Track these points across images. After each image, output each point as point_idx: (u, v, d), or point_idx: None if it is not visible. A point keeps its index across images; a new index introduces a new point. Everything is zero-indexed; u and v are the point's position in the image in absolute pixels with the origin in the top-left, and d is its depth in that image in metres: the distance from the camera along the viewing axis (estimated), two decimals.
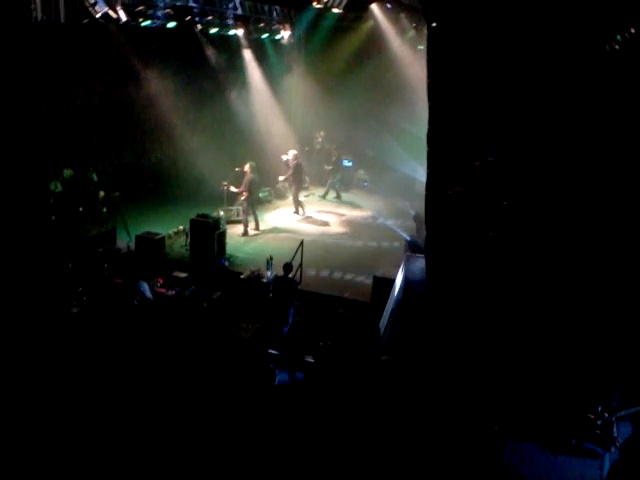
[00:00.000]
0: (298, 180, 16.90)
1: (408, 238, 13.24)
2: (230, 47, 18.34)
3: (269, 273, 11.78)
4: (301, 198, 18.20)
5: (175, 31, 14.77)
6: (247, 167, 15.06)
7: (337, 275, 12.91)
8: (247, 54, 18.82)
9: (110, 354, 9.59)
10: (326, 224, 16.61)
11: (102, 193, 14.45)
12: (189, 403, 8.54)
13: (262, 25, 18.00)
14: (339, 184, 19.12)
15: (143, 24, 13.67)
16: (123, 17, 12.80)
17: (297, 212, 17.09)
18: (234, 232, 14.92)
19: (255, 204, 15.67)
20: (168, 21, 14.22)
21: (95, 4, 12.25)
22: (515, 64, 7.91)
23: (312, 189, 19.95)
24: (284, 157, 16.85)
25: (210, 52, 17.81)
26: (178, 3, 14.17)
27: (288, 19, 19.39)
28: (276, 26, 18.75)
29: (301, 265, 12.16)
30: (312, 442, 7.90)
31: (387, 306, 10.61)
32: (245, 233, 15.14)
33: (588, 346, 8.02)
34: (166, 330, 10.35)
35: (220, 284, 12.00)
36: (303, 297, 11.27)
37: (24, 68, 12.07)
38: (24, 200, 12.42)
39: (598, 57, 7.62)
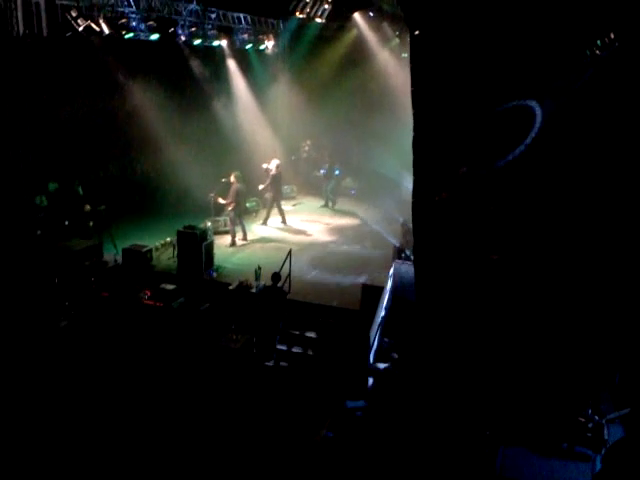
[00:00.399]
0: (277, 189, 16.85)
1: (397, 244, 13.26)
2: (214, 58, 18.36)
3: (258, 283, 11.74)
4: (287, 207, 18.23)
5: (158, 43, 14.76)
6: (233, 177, 15.03)
7: (326, 284, 12.88)
8: (231, 64, 18.84)
9: (99, 367, 9.51)
10: (314, 232, 16.60)
11: (88, 206, 14.37)
12: (179, 415, 8.47)
13: (246, 36, 18.05)
14: (331, 193, 19.14)
15: (126, 36, 13.66)
16: (106, 30, 12.81)
17: (284, 221, 17.06)
18: (222, 243, 14.88)
19: (242, 214, 15.63)
20: (151, 33, 14.22)
21: (77, 17, 12.25)
22: (498, 69, 7.97)
23: (300, 198, 19.98)
24: (265, 165, 16.79)
25: (194, 63, 17.81)
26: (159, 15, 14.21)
27: (271, 29, 19.46)
28: (260, 36, 18.80)
29: (289, 275, 12.14)
30: (303, 452, 7.86)
31: (377, 314, 10.60)
32: (233, 244, 15.09)
33: (577, 350, 8.05)
34: (155, 342, 10.27)
35: (208, 295, 11.95)
36: (292, 306, 11.24)
37: (6, 82, 11.99)
38: (9, 215, 12.31)
39: (579, 61, 7.73)
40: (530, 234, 8.30)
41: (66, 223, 13.90)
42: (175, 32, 14.95)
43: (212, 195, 15.01)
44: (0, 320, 10.13)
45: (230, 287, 11.89)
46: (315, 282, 12.90)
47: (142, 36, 14.08)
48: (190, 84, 18.19)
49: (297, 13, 17.97)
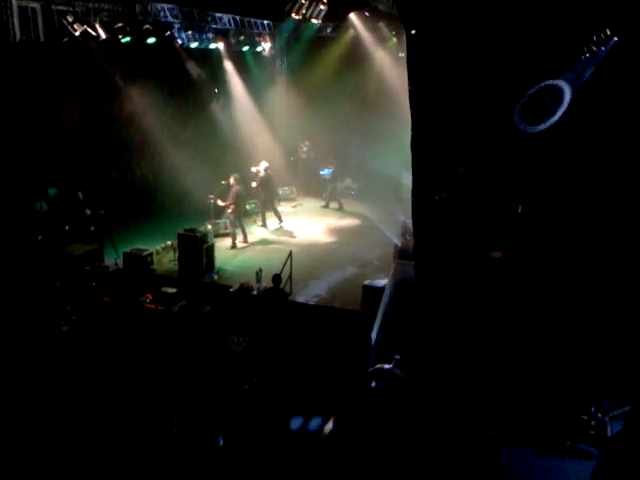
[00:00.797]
0: (267, 191, 16.81)
1: (397, 244, 13.26)
2: (211, 61, 18.36)
3: (259, 285, 11.74)
4: (287, 209, 18.26)
5: (155, 47, 14.76)
6: (232, 179, 15.04)
7: (327, 285, 12.89)
8: (229, 67, 18.85)
9: (101, 372, 9.51)
10: (314, 234, 16.61)
11: (88, 211, 14.37)
12: (181, 417, 8.47)
13: (242, 38, 18.05)
14: (332, 194, 19.15)
15: (123, 40, 13.66)
16: (102, 34, 12.81)
17: (281, 222, 17.07)
18: (222, 245, 14.89)
19: (242, 216, 15.64)
20: (148, 37, 14.22)
21: (74, 22, 12.25)
22: (495, 68, 7.96)
23: (300, 199, 19.99)
24: (253, 169, 16.72)
25: (191, 66, 17.82)
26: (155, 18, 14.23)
27: (268, 31, 19.47)
28: (256, 38, 18.80)
29: (290, 276, 12.14)
30: (305, 454, 7.86)
31: (378, 314, 10.59)
32: (233, 246, 15.10)
33: (580, 347, 8.04)
34: (157, 346, 10.27)
35: (210, 298, 11.95)
36: (293, 308, 11.24)
37: (4, 89, 12.00)
38: (10, 220, 12.32)
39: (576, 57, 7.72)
40: (532, 231, 8.29)
41: (66, 228, 13.90)
42: (172, 35, 14.94)
43: (212, 197, 15.02)
44: (1, 325, 10.13)
45: (231, 289, 11.90)
46: (316, 284, 12.89)
47: (139, 40, 14.05)
48: (188, 87, 18.19)
49: (293, 14, 17.97)
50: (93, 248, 13.41)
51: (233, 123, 19.05)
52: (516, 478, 7.31)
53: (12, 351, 9.70)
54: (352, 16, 18.88)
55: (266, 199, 16.83)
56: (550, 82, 7.59)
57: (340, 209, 18.97)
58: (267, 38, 19.21)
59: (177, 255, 13.51)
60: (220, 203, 15.04)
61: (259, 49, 19.11)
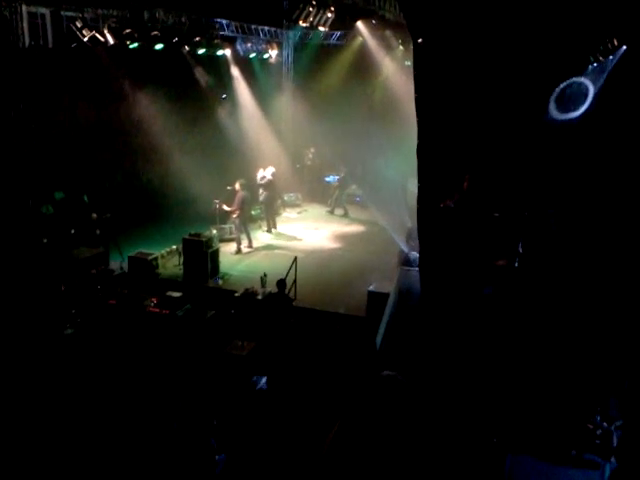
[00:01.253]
0: (271, 195, 16.83)
1: (403, 251, 13.26)
2: (218, 67, 18.45)
3: (264, 290, 11.75)
4: (293, 215, 18.30)
5: (163, 53, 14.86)
6: (238, 185, 15.09)
7: (332, 290, 12.88)
8: (236, 73, 18.94)
9: (106, 375, 9.52)
10: (319, 240, 16.63)
11: (94, 215, 14.42)
12: (185, 421, 8.46)
13: (249, 45, 18.14)
14: (338, 200, 19.18)
15: (131, 46, 13.75)
16: (110, 40, 12.91)
17: (271, 229, 17.07)
18: (227, 250, 14.91)
19: (247, 222, 15.68)
20: (155, 43, 14.31)
21: (82, 28, 12.35)
22: (501, 77, 7.99)
23: (305, 205, 20.04)
24: (260, 173, 16.69)
25: (199, 72, 17.91)
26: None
27: (275, 38, 19.56)
28: (263, 46, 18.89)
29: (295, 281, 12.14)
30: (311, 458, 7.85)
31: (383, 320, 10.60)
32: (238, 251, 15.12)
33: (586, 356, 8.02)
34: (161, 350, 10.29)
35: (214, 303, 11.96)
36: (298, 314, 11.24)
37: (13, 93, 12.10)
38: (16, 223, 12.39)
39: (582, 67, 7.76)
40: (537, 239, 8.30)
41: (72, 231, 13.95)
42: (180, 42, 15.05)
43: (217, 203, 15.06)
44: (7, 327, 10.16)
45: (236, 294, 11.91)
46: (321, 290, 12.89)
47: (146, 46, 14.15)
48: (195, 93, 18.28)
49: (300, 22, 18.05)
50: (99, 252, 13.46)
51: (239, 129, 19.12)
52: None
53: (17, 353, 9.73)
54: (359, 24, 18.95)
55: (268, 203, 16.85)
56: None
57: (345, 215, 19.00)
58: (274, 45, 19.30)
59: (182, 259, 13.54)
60: (225, 208, 15.09)
61: (266, 56, 19.20)
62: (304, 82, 20.85)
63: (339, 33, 19.72)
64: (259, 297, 11.63)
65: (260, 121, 19.67)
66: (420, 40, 8.40)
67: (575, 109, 7.78)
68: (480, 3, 8.02)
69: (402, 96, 17.47)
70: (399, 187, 17.62)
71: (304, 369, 9.88)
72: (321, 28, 18.66)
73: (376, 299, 11.34)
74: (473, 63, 8.10)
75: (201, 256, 13.04)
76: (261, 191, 16.61)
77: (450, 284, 8.78)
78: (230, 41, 17.15)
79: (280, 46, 19.97)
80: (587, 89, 7.69)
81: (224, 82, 18.93)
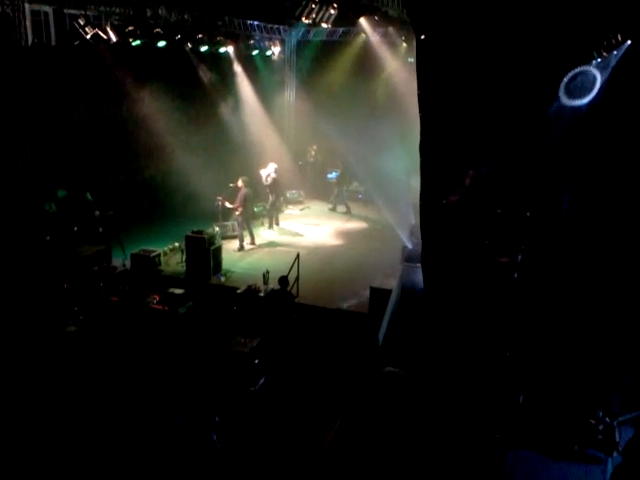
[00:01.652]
0: (275, 193, 16.84)
1: (405, 247, 13.26)
2: (221, 64, 18.46)
3: (266, 287, 11.76)
4: (295, 211, 18.31)
5: (166, 50, 14.86)
6: (240, 182, 15.10)
7: (334, 287, 12.88)
8: (238, 70, 18.95)
9: (108, 372, 9.54)
10: (322, 236, 16.64)
11: (97, 212, 14.45)
12: (187, 418, 8.48)
13: (252, 42, 18.13)
14: (339, 197, 19.21)
15: (133, 44, 13.76)
16: (113, 37, 12.93)
17: (273, 226, 17.11)
18: (230, 247, 14.93)
19: (250, 219, 15.70)
20: (158, 40, 14.31)
21: (85, 25, 12.37)
22: (505, 73, 7.98)
23: (307, 202, 20.05)
24: (263, 171, 16.66)
25: (201, 69, 17.92)
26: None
27: (278, 35, 19.55)
28: (266, 42, 18.88)
29: (297, 278, 12.15)
30: (313, 454, 7.86)
31: (385, 317, 10.60)
32: (241, 248, 15.14)
33: (588, 352, 8.02)
34: (164, 347, 10.31)
35: (217, 300, 11.98)
36: (300, 310, 11.25)
37: (16, 91, 12.12)
38: (19, 221, 12.42)
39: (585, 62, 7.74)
40: (539, 236, 8.29)
41: (75, 229, 13.99)
42: (182, 39, 15.05)
43: (220, 200, 15.07)
44: (10, 325, 10.20)
45: (238, 291, 11.92)
46: (323, 286, 12.90)
47: (149, 43, 14.16)
48: (198, 90, 18.29)
49: (303, 19, 18.01)
50: (101, 249, 13.47)
51: (242, 126, 19.14)
52: None
53: (20, 350, 9.76)
54: (362, 21, 18.87)
55: (274, 200, 16.88)
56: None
57: (347, 213, 19.01)
58: (277, 42, 19.29)
59: (184, 257, 13.56)
60: (228, 205, 15.10)
61: (269, 53, 19.19)
62: (307, 79, 20.85)
63: (342, 30, 19.68)
64: (261, 294, 11.64)
65: (263, 118, 19.68)
66: (423, 36, 8.39)
67: (583, 96, 7.77)
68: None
69: (405, 93, 17.46)
70: (402, 183, 17.60)
71: (307, 366, 9.89)
72: (324, 25, 18.57)
73: (379, 296, 11.34)
74: (476, 59, 8.08)
75: (203, 253, 13.05)
76: (269, 190, 16.62)
77: (453, 280, 8.78)
78: (232, 38, 17.13)
79: (283, 43, 19.96)
80: (595, 77, 7.69)
81: (227, 79, 18.94)
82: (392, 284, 11.56)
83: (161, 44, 14.43)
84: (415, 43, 8.83)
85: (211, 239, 13.25)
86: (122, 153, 16.94)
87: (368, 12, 18.34)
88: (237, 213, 15.10)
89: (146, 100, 16.38)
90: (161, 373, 9.56)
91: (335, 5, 17.50)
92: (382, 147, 19.03)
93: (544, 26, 7.64)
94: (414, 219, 13.62)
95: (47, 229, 13.27)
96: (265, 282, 11.86)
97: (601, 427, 7.68)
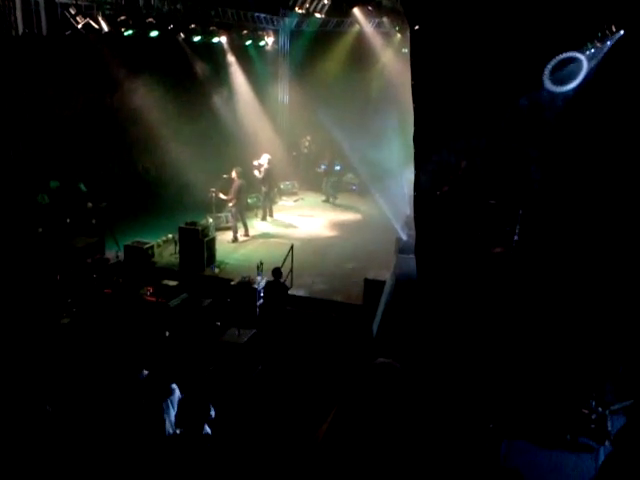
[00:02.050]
0: (269, 184, 16.84)
1: (399, 238, 13.28)
2: (214, 55, 18.34)
3: (260, 279, 11.76)
4: (289, 203, 18.29)
5: (158, 40, 14.74)
6: (234, 173, 15.05)
7: (328, 279, 12.90)
8: (232, 61, 18.83)
9: (102, 364, 9.52)
10: (316, 228, 16.63)
11: (90, 204, 14.38)
12: (182, 410, 8.48)
13: (245, 32, 18.02)
14: (332, 188, 19.24)
15: (125, 34, 13.63)
16: (105, 27, 12.78)
17: (267, 217, 17.07)
18: (223, 239, 14.91)
19: (244, 210, 15.66)
20: (150, 30, 14.19)
21: (76, 15, 12.23)
22: (498, 63, 7.97)
23: (301, 193, 20.02)
24: (256, 162, 16.62)
25: (194, 60, 17.79)
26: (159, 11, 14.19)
27: (271, 25, 19.43)
28: (259, 33, 18.76)
29: (291, 270, 12.15)
30: (306, 447, 7.88)
31: (379, 308, 10.62)
32: (235, 239, 15.12)
33: (581, 341, 8.06)
34: (158, 338, 10.29)
35: (211, 291, 11.97)
36: (294, 302, 11.25)
37: (7, 82, 12.00)
38: (11, 213, 12.34)
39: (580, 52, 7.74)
40: (533, 226, 8.31)
41: (68, 221, 13.92)
42: (175, 29, 14.92)
43: (213, 191, 15.03)
44: (2, 317, 10.15)
45: (232, 283, 11.92)
46: (317, 278, 12.90)
47: (141, 33, 14.01)
48: (191, 81, 18.17)
49: (296, 8, 17.93)
50: (94, 241, 13.41)
51: (235, 117, 19.06)
52: (516, 471, 7.32)
53: (12, 343, 9.72)
54: (356, 11, 18.81)
55: (267, 191, 16.83)
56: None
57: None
58: (270, 32, 19.17)
59: (178, 248, 13.54)
60: (222, 197, 15.07)
61: (262, 43, 19.08)
62: (301, 70, 20.75)
63: (335, 20, 19.59)
64: (255, 285, 11.64)
65: (256, 109, 19.60)
66: (417, 27, 8.36)
67: (568, 83, 7.78)
68: None
69: (399, 83, 17.42)
70: (396, 175, 17.61)
71: (301, 357, 9.90)
72: (317, 15, 18.53)
73: (373, 287, 11.37)
74: (470, 50, 8.06)
75: (197, 245, 13.03)
76: (261, 182, 16.57)
77: (446, 271, 8.80)
78: (226, 28, 17.00)
79: (276, 33, 19.85)
80: (582, 64, 7.69)
81: (220, 70, 18.83)
82: (386, 275, 11.58)
83: (153, 34, 14.28)
84: (409, 34, 8.81)
85: (205, 231, 13.23)
86: (115, 144, 16.83)
87: (362, 2, 18.29)
88: (231, 204, 15.06)
89: (139, 91, 16.26)
90: (155, 365, 9.55)
91: None
92: (377, 138, 19.02)
93: (539, 17, 7.63)
94: (408, 210, 13.64)
95: (39, 221, 13.18)
96: (259, 273, 11.85)
97: (594, 416, 7.73)
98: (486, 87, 8.17)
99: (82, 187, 14.82)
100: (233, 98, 19.31)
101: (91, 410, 8.40)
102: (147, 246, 13.30)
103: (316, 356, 9.96)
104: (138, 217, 15.77)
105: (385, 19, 18.89)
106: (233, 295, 11.59)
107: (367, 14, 18.91)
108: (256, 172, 16.47)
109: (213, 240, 13.58)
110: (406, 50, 17.09)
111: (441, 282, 8.89)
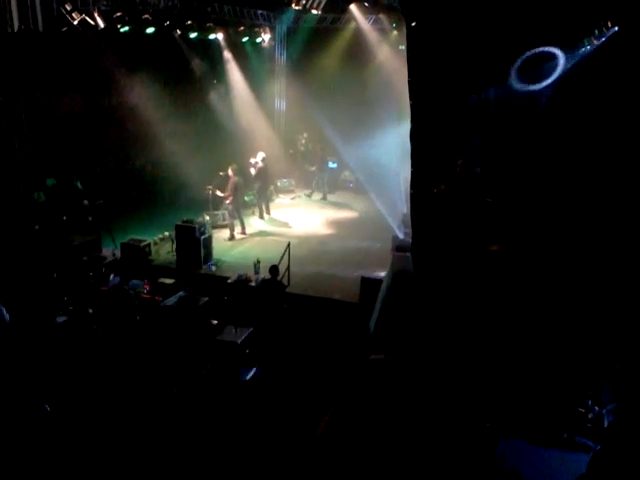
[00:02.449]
0: (263, 182, 16.78)
1: (396, 236, 13.26)
2: (211, 51, 18.29)
3: (257, 277, 11.73)
4: (286, 200, 18.26)
5: (154, 37, 14.69)
6: (230, 171, 15.02)
7: (325, 277, 12.88)
8: (228, 58, 18.79)
9: (97, 363, 9.49)
10: (313, 226, 16.60)
11: (86, 201, 14.34)
12: (179, 409, 8.48)
13: (242, 28, 17.96)
14: (325, 185, 19.24)
15: (122, 30, 13.58)
16: (101, 24, 12.71)
17: (264, 215, 17.03)
18: (220, 236, 14.87)
19: (240, 208, 15.62)
20: (147, 26, 14.13)
21: (72, 11, 12.17)
22: (495, 60, 7.94)
23: (298, 191, 19.99)
24: (252, 160, 16.61)
25: (191, 57, 17.74)
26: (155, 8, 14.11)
27: (268, 22, 19.36)
28: (256, 29, 18.70)
29: (288, 268, 12.13)
30: (304, 445, 7.87)
31: (376, 306, 10.61)
32: (231, 237, 15.09)
33: (577, 340, 8.06)
34: (154, 336, 10.26)
35: (207, 289, 11.94)
36: (291, 300, 11.23)
37: (2, 79, 11.94)
38: (7, 210, 12.29)
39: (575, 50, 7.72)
40: (529, 224, 8.29)
41: (64, 218, 13.88)
42: (171, 25, 14.87)
43: (210, 188, 14.99)
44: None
45: (229, 281, 11.89)
46: (314, 276, 12.89)
47: (137, 30, 13.95)
48: (187, 78, 18.13)
49: (293, 5, 17.86)
50: (91, 238, 13.39)
51: (232, 114, 19.02)
52: (512, 471, 7.33)
53: (9, 341, 9.69)
54: (352, 7, 18.76)
55: (261, 189, 16.77)
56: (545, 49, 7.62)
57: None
58: (267, 29, 19.11)
59: (175, 246, 13.50)
60: (218, 194, 15.04)
61: (259, 40, 19.02)
62: (297, 66, 20.70)
63: (332, 17, 19.53)
64: (252, 283, 11.62)
65: (253, 106, 19.55)
66: (414, 24, 8.33)
67: (540, 81, 7.74)
68: None
69: (396, 80, 17.36)
70: (393, 172, 17.57)
71: (298, 355, 9.89)
72: (314, 11, 18.46)
73: (369, 285, 11.35)
74: (467, 47, 8.04)
75: (194, 242, 13.00)
76: (254, 179, 16.53)
77: (443, 270, 8.78)
78: (222, 24, 16.94)
79: (273, 30, 19.78)
80: (557, 61, 7.64)
81: (216, 66, 18.77)
82: (383, 274, 11.56)
83: (150, 30, 14.23)
84: (406, 30, 8.77)
85: (201, 228, 13.20)
86: (111, 141, 16.81)
87: None
88: (227, 202, 15.03)
89: (135, 87, 16.21)
90: (152, 363, 9.53)
91: None
92: (373, 135, 18.97)
93: (537, 14, 7.60)
94: (405, 208, 13.62)
95: (36, 218, 13.13)
96: (256, 271, 11.83)
97: (590, 415, 7.74)
98: (483, 84, 8.15)
99: (78, 185, 14.79)
100: (230, 95, 19.26)
101: (90, 409, 8.38)
102: (144, 244, 13.27)
103: (313, 354, 9.95)
104: (135, 215, 15.74)
105: (382, 16, 18.84)
106: (230, 293, 11.56)
107: (364, 11, 18.87)
108: (252, 170, 16.44)
109: (210, 238, 13.54)
110: (403, 47, 17.04)
111: (438, 280, 8.88)
